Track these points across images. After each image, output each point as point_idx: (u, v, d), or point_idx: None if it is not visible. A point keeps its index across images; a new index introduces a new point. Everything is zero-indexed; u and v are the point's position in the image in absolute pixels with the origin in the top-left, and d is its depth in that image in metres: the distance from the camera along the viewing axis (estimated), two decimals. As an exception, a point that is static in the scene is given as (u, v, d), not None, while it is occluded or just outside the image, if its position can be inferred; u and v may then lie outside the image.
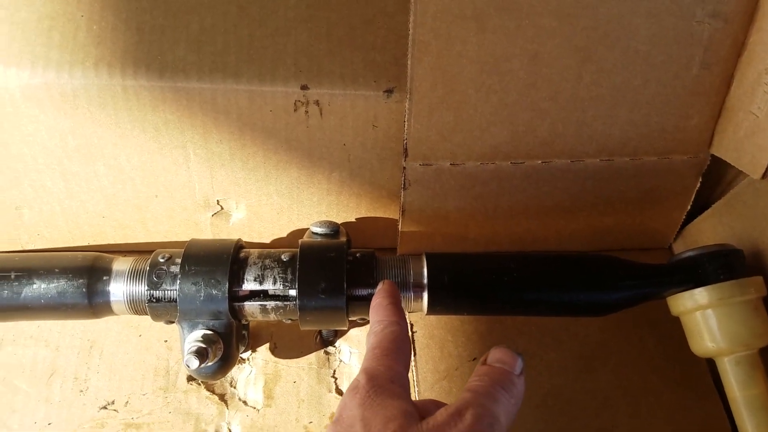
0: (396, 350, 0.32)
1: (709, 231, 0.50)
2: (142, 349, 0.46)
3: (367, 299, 0.41)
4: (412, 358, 0.47)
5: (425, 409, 0.31)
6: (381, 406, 0.28)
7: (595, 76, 0.41)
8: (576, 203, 0.48)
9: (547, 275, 0.43)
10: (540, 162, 0.45)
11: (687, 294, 0.42)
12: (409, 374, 0.46)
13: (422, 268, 0.42)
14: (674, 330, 0.45)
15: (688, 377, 0.48)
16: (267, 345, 0.47)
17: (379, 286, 0.38)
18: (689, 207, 0.50)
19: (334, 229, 0.45)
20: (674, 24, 0.40)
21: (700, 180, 0.48)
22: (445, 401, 0.44)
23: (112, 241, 0.49)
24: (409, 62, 0.39)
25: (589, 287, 0.42)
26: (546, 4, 0.38)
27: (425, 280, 0.42)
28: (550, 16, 0.38)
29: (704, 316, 0.41)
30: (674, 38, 0.40)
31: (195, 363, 0.39)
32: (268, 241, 0.51)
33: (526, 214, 0.49)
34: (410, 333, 0.48)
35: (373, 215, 0.50)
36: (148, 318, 0.44)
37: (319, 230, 0.45)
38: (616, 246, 0.52)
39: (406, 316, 0.36)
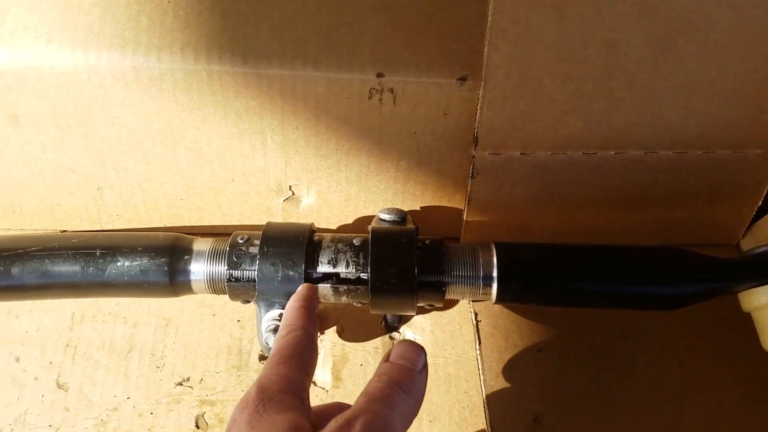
0: (295, 356, 0.32)
1: (780, 227, 0.49)
2: (215, 327, 0.48)
3: (436, 285, 0.42)
4: (477, 347, 0.47)
5: (326, 416, 0.30)
6: (269, 423, 0.27)
7: (672, 66, 0.41)
8: (646, 196, 0.48)
9: (619, 267, 0.42)
10: (613, 153, 0.45)
11: (761, 289, 0.41)
12: (475, 363, 0.47)
13: (492, 256, 0.43)
14: (743, 326, 0.45)
15: (757, 374, 0.47)
16: (334, 328, 0.48)
17: (298, 289, 0.38)
18: (760, 203, 0.49)
19: (402, 216, 0.46)
20: (755, 15, 0.39)
21: (774, 175, 0.47)
22: (510, 391, 0.45)
23: (187, 223, 0.50)
24: (485, 49, 0.40)
25: (662, 280, 0.42)
26: (627, -7, 0.38)
27: (495, 269, 0.42)
28: (631, 5, 0.38)
29: (778, 312, 0.41)
30: (754, 29, 0.40)
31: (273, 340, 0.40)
32: (334, 227, 0.51)
33: (594, 206, 0.49)
34: (474, 322, 0.49)
35: (437, 204, 0.50)
36: (221, 297, 0.45)
37: (387, 217, 0.45)
38: (683, 241, 0.52)
39: (316, 321, 0.36)
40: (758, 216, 0.51)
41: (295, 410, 0.28)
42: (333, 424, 0.27)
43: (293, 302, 0.37)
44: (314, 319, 0.36)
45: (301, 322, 0.35)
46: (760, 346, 0.43)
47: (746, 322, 0.44)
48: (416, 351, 0.32)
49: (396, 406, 0.29)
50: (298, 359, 0.32)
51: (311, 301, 0.37)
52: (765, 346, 0.42)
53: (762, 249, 0.42)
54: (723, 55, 0.41)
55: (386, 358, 0.32)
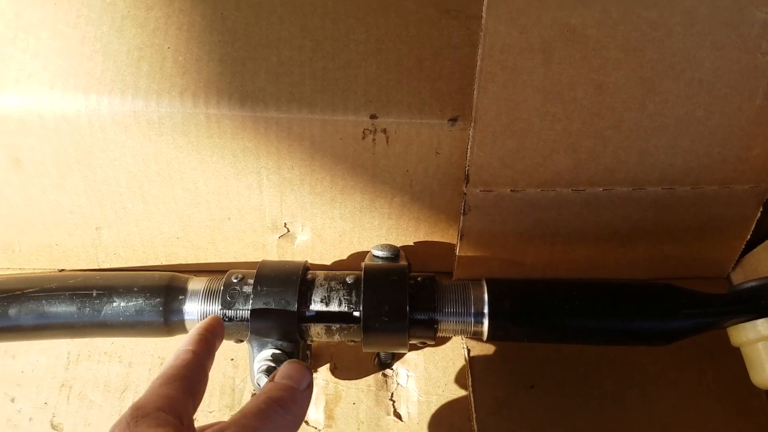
0: (179, 377, 0.31)
1: (769, 261, 0.50)
2: (210, 366, 0.48)
3: (428, 323, 0.42)
4: (469, 384, 0.48)
5: None
6: None
7: (659, 106, 0.42)
8: (635, 231, 0.49)
9: (610, 303, 0.43)
10: (601, 189, 0.45)
11: (749, 324, 0.41)
12: (468, 399, 0.47)
13: (483, 293, 0.43)
14: (734, 361, 0.45)
15: (747, 408, 0.47)
16: (327, 365, 0.48)
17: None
18: (749, 236, 0.50)
19: (395, 253, 0.46)
20: (739, 57, 0.40)
21: (761, 209, 0.48)
22: (502, 428, 0.45)
23: (183, 261, 0.51)
24: (475, 92, 0.41)
25: (651, 316, 0.42)
26: (612, 38, 0.39)
27: (486, 306, 0.42)
28: (617, 49, 0.39)
29: (766, 347, 0.41)
30: (738, 70, 0.41)
31: (265, 381, 0.40)
32: (329, 263, 0.52)
33: (584, 241, 0.49)
34: (467, 358, 0.49)
35: (430, 239, 0.51)
36: (216, 336, 0.45)
37: (380, 253, 0.46)
38: (674, 274, 0.52)
39: (210, 348, 0.35)
40: (747, 249, 0.51)
41: (170, 426, 0.28)
42: None
43: (192, 330, 0.36)
44: (207, 346, 0.34)
45: (192, 347, 0.33)
46: (749, 380, 0.43)
47: (735, 356, 0.44)
48: (301, 371, 0.32)
49: (270, 421, 0.29)
50: (183, 381, 0.31)
51: (209, 328, 0.36)
52: (754, 381, 0.42)
53: (750, 284, 0.43)
54: (707, 94, 0.42)
55: (271, 379, 0.32)
